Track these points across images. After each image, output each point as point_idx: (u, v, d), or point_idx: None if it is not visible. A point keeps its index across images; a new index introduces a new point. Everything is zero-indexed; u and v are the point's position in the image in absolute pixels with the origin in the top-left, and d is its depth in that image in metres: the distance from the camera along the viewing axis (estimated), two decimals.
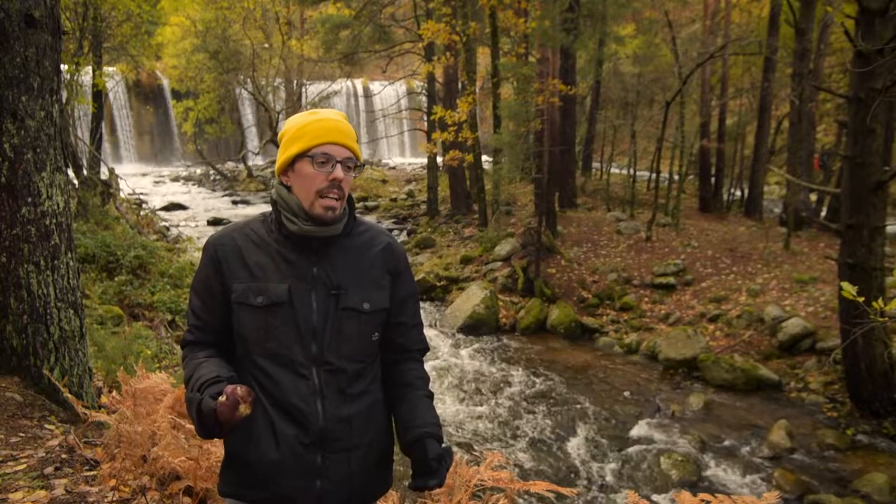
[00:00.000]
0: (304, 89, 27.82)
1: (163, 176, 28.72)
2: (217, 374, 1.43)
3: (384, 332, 1.62)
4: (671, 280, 10.83)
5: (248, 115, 30.71)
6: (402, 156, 36.11)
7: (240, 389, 1.35)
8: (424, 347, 1.72)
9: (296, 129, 1.49)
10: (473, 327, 10.19)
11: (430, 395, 1.65)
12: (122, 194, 14.38)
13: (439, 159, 17.82)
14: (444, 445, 1.51)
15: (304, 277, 1.48)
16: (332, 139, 1.47)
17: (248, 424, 1.47)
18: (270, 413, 1.46)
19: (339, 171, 1.46)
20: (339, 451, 1.49)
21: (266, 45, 26.24)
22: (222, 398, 1.34)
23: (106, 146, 25.30)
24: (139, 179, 25.78)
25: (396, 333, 1.64)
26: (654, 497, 5.66)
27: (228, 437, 1.54)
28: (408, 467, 1.53)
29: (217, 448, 2.54)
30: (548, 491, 2.43)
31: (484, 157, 16.95)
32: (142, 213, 15.04)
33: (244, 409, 1.35)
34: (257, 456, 1.47)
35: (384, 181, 25.93)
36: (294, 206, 1.48)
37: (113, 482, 2.60)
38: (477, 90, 17.68)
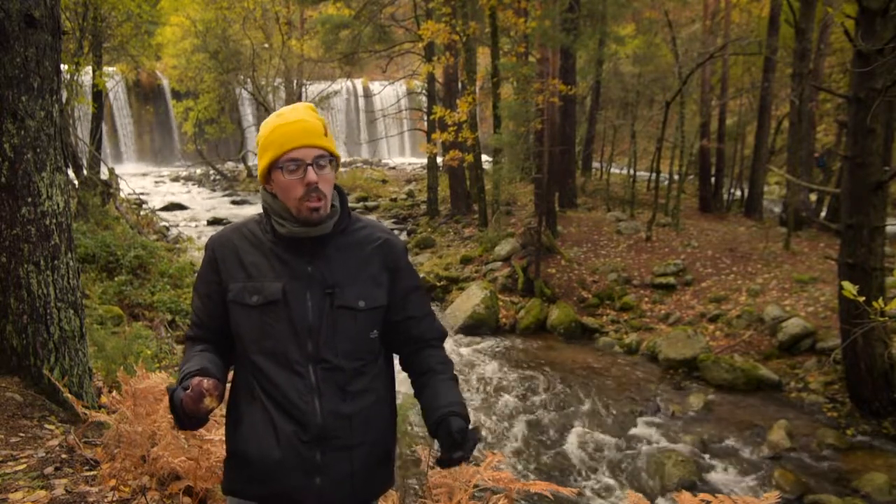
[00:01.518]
0: (304, 89, 27.81)
1: (163, 176, 28.71)
2: (200, 367, 1.45)
3: (397, 328, 1.62)
4: (671, 280, 10.83)
5: (248, 115, 30.66)
6: (402, 156, 36.07)
7: (206, 382, 1.36)
8: (442, 335, 1.70)
9: (263, 139, 1.48)
10: (473, 327, 10.18)
11: (454, 378, 1.64)
12: (122, 194, 14.38)
13: (439, 159, 17.81)
14: (470, 427, 1.50)
15: (299, 276, 1.49)
16: (298, 143, 1.44)
17: (250, 422, 1.49)
18: (270, 411, 1.47)
19: (311, 175, 1.44)
20: (339, 449, 1.49)
21: (266, 45, 26.23)
22: (189, 390, 1.35)
23: (106, 146, 25.29)
24: (139, 179, 25.77)
25: (408, 327, 1.63)
26: (654, 497, 5.66)
27: (232, 436, 1.55)
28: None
29: (217, 448, 2.54)
30: (548, 491, 2.43)
31: (484, 157, 16.94)
32: (142, 213, 15.05)
33: (209, 402, 1.35)
34: (259, 453, 1.48)
35: (384, 181, 25.91)
36: (281, 210, 1.49)
37: (113, 482, 2.60)
38: (477, 90, 17.68)
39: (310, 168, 1.44)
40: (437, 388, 1.59)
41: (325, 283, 1.49)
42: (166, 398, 2.66)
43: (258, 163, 1.51)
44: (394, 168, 31.94)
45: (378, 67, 25.64)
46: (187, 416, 1.37)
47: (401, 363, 1.70)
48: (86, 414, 2.97)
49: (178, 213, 19.34)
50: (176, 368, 5.22)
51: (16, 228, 3.29)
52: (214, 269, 1.54)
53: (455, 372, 1.67)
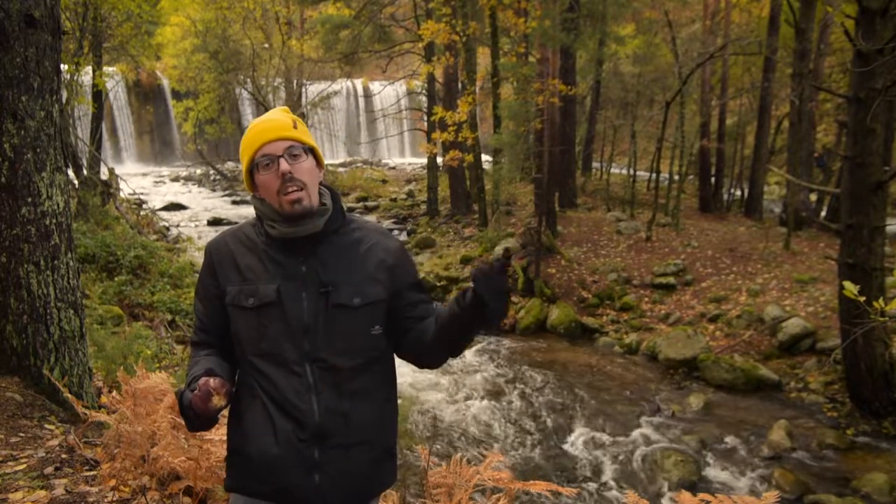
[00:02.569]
0: (304, 89, 27.80)
1: (163, 176, 28.71)
2: (206, 369, 1.47)
3: (396, 314, 1.59)
4: (671, 280, 10.83)
5: (248, 115, 30.64)
6: (402, 156, 36.08)
7: (212, 381, 1.39)
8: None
9: (241, 147, 1.54)
10: None
11: None
12: (122, 194, 14.38)
13: (439, 159, 17.81)
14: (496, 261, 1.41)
15: (293, 277, 1.50)
16: (265, 139, 1.48)
17: (251, 420, 1.51)
18: (270, 410, 1.49)
19: (283, 165, 1.46)
20: (337, 447, 1.50)
21: (266, 45, 26.23)
22: (196, 391, 1.38)
23: (106, 146, 25.29)
24: (139, 179, 25.77)
25: (412, 310, 1.61)
26: (654, 497, 5.67)
27: (233, 434, 1.57)
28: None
29: (217, 448, 2.55)
30: (548, 491, 2.43)
31: (484, 157, 16.94)
32: (142, 213, 15.05)
33: (217, 401, 1.38)
34: (258, 450, 1.49)
35: (384, 181, 25.91)
36: (270, 212, 1.52)
37: (113, 482, 2.60)
38: (477, 90, 17.68)
39: (281, 160, 1.47)
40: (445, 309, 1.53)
41: (320, 283, 1.50)
42: (166, 398, 2.67)
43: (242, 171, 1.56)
44: (394, 168, 31.93)
45: (378, 67, 25.65)
46: (197, 417, 1.40)
47: (399, 342, 1.63)
48: (86, 414, 2.97)
49: (178, 213, 19.33)
50: (176, 369, 5.22)
51: (16, 228, 3.29)
52: (212, 273, 1.57)
53: (455, 358, 1.62)
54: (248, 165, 1.51)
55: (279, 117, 1.53)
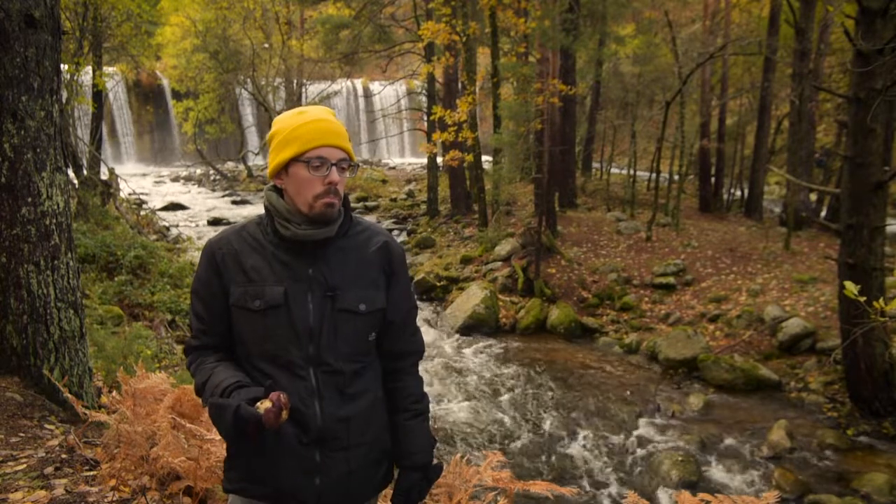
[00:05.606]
0: (304, 89, 27.82)
1: (163, 176, 28.71)
2: (238, 379, 1.42)
3: (381, 331, 1.62)
4: (671, 280, 10.83)
5: (248, 115, 30.69)
6: (402, 156, 36.10)
7: (282, 396, 1.35)
8: (419, 351, 1.70)
9: (288, 131, 1.46)
10: (473, 327, 10.18)
11: (419, 414, 1.67)
12: (122, 194, 14.38)
13: (439, 159, 17.81)
14: (433, 463, 1.66)
15: (300, 279, 1.48)
16: (326, 141, 1.45)
17: None
18: None
19: (334, 174, 1.45)
20: (338, 450, 1.51)
21: (266, 45, 26.24)
22: (267, 404, 1.31)
23: (106, 146, 25.30)
24: (139, 179, 25.77)
25: (388, 335, 1.62)
26: (654, 497, 5.66)
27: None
28: None
29: (217, 448, 2.54)
30: (547, 491, 2.43)
31: (484, 157, 16.93)
32: (142, 213, 15.05)
33: (285, 416, 1.35)
34: (258, 452, 1.49)
35: (384, 181, 25.91)
36: (285, 211, 1.48)
37: (113, 482, 2.60)
38: (477, 90, 17.67)
39: (333, 168, 1.45)
40: (404, 430, 1.65)
41: (326, 286, 1.49)
42: (166, 398, 2.67)
43: (275, 156, 1.49)
44: (394, 168, 31.93)
45: (378, 67, 25.65)
46: (259, 432, 1.32)
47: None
48: (86, 414, 2.97)
49: (178, 213, 19.33)
50: (176, 368, 5.21)
51: (16, 228, 3.29)
52: (216, 271, 1.52)
53: (426, 405, 1.71)
54: (293, 156, 1.45)
55: (338, 122, 1.50)
